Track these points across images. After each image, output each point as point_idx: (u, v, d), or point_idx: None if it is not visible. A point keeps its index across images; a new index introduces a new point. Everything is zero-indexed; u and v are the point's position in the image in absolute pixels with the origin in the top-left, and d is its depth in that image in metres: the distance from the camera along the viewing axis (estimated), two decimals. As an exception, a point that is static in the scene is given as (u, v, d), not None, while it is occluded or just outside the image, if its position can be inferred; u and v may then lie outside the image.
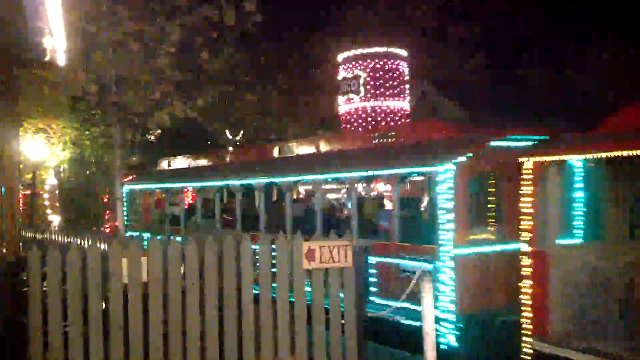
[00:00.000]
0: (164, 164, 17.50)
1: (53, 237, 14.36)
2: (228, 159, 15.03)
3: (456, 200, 8.24)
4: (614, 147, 6.17)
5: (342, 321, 5.98)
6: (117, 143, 12.78)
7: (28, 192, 19.73)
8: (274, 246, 5.88)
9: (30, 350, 5.17)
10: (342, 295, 6.03)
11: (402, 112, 18.38)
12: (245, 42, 14.37)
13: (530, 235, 6.96)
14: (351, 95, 18.35)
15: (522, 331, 6.71)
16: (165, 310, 5.43)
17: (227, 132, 30.83)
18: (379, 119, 18.13)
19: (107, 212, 20.84)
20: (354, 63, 18.28)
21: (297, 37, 28.02)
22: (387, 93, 18.11)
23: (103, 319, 5.28)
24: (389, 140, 10.48)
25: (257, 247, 5.80)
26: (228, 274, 5.62)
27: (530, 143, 8.42)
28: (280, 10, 25.81)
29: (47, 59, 7.13)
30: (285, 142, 13.94)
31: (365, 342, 6.04)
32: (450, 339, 7.94)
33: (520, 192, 7.17)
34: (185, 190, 15.45)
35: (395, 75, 18.17)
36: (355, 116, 18.41)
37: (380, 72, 18.05)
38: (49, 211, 21.01)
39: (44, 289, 5.29)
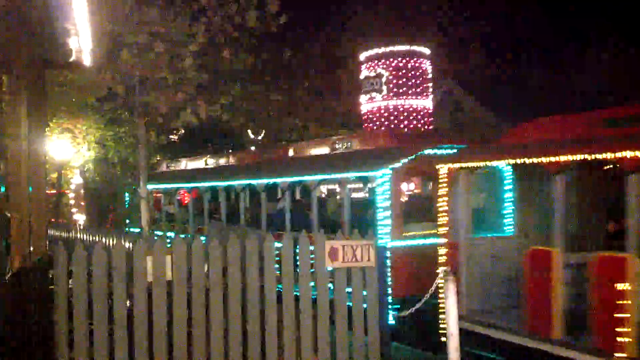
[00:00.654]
0: (163, 166, 18.01)
1: (78, 236, 14.54)
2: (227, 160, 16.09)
3: (392, 200, 9.65)
4: (496, 157, 7.75)
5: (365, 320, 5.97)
6: (142, 143, 12.90)
7: (53, 191, 20.01)
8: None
9: (56, 347, 5.24)
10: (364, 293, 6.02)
11: (425, 110, 18.30)
12: (267, 41, 14.42)
13: (446, 229, 8.24)
14: (373, 94, 18.31)
15: (440, 311, 7.37)
16: (189, 308, 5.47)
17: (249, 132, 30.96)
18: (402, 117, 18.07)
19: (111, 212, 21.04)
20: (376, 61, 18.23)
21: (319, 36, 28.04)
22: (410, 91, 18.04)
23: (128, 317, 5.33)
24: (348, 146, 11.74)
25: (280, 245, 5.81)
26: (251, 273, 5.64)
27: (452, 152, 9.58)
28: (302, 9, 25.86)
29: (72, 59, 7.22)
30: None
31: (388, 341, 6.03)
32: (389, 319, 8.13)
33: (438, 193, 8.53)
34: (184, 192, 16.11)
35: (418, 73, 18.08)
36: (377, 115, 18.37)
37: (403, 71, 17.98)
38: (74, 210, 21.29)
39: (70, 287, 5.36)
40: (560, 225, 6.73)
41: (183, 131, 28.34)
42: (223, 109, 12.97)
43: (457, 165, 8.45)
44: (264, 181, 12.27)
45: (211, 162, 17.23)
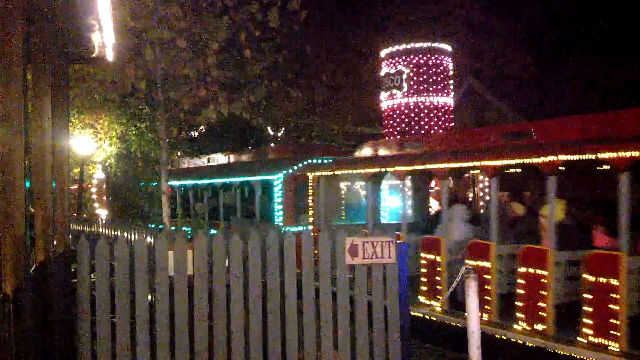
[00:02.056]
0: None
1: (101, 230, 14.67)
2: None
3: (284, 197, 14.70)
4: (337, 169, 12.38)
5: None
6: (164, 139, 12.96)
7: (76, 186, 20.21)
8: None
9: (78, 340, 5.28)
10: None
11: (446, 107, 18.18)
12: (289, 39, 14.44)
13: (312, 219, 12.84)
14: (394, 91, 18.23)
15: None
16: (210, 303, 5.48)
17: (269, 129, 31.03)
18: (422, 114, 17.98)
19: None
20: (397, 58, 18.16)
21: (340, 33, 27.99)
22: (431, 88, 17.94)
23: (149, 311, 5.37)
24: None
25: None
26: (271, 268, 5.64)
27: (327, 161, 14.30)
28: (323, 6, 25.82)
29: (95, 54, 7.27)
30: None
31: (409, 339, 6.00)
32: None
33: (309, 192, 12.86)
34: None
35: (439, 70, 17.97)
36: (397, 112, 18.30)
37: (424, 68, 17.88)
38: (96, 205, 21.48)
39: (92, 280, 5.40)
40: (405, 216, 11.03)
41: (204, 128, 28.50)
42: (244, 107, 12.99)
43: (317, 173, 12.73)
44: (221, 180, 17.48)
45: (222, 159, 19.66)
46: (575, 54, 24.39)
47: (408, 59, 17.88)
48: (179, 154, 24.79)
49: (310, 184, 13.06)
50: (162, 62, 11.97)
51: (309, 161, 14.94)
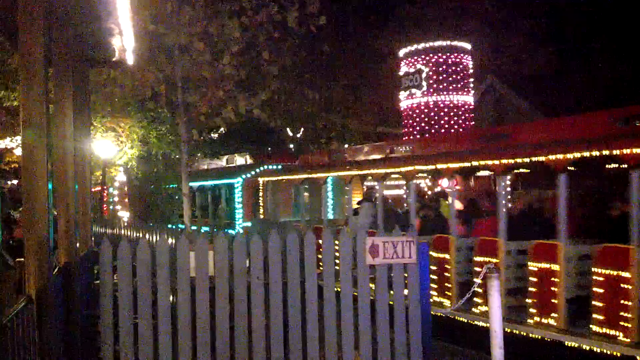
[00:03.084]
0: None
1: (122, 232, 14.80)
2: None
3: (243, 197, 17.92)
4: (276, 175, 16.19)
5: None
6: (184, 141, 13.05)
7: (98, 188, 20.42)
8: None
9: (101, 341, 5.33)
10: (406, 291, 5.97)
11: (467, 106, 18.06)
12: (307, 39, 14.47)
13: (263, 214, 16.55)
14: (413, 90, 18.15)
15: None
16: (232, 303, 5.50)
17: (288, 130, 31.06)
18: (442, 113, 17.87)
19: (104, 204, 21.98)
20: (416, 57, 18.06)
21: (359, 32, 27.94)
22: (450, 87, 17.81)
23: (171, 312, 5.40)
24: None
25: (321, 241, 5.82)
26: (292, 268, 5.65)
27: (278, 167, 17.63)
28: (341, 6, 25.80)
29: (116, 58, 7.34)
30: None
31: (430, 339, 5.96)
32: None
33: (260, 195, 16.44)
34: None
35: (458, 69, 17.85)
36: (417, 111, 18.20)
37: (443, 66, 17.76)
38: (118, 207, 21.69)
39: (114, 281, 5.45)
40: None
41: (224, 130, 28.61)
42: (262, 107, 13.04)
43: (266, 178, 16.41)
44: (200, 183, 20.39)
45: (240, 160, 21.15)
46: (596, 49, 24.10)
47: (427, 58, 17.77)
48: (199, 155, 24.93)
49: (260, 187, 16.66)
50: (180, 65, 12.05)
51: (262, 168, 18.18)
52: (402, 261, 5.87)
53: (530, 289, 8.21)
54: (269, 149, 32.40)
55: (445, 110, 17.81)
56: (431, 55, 17.77)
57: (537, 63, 25.18)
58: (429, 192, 14.25)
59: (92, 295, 5.65)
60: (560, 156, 7.77)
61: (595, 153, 7.36)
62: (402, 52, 18.66)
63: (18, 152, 20.18)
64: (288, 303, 5.62)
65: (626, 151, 7.05)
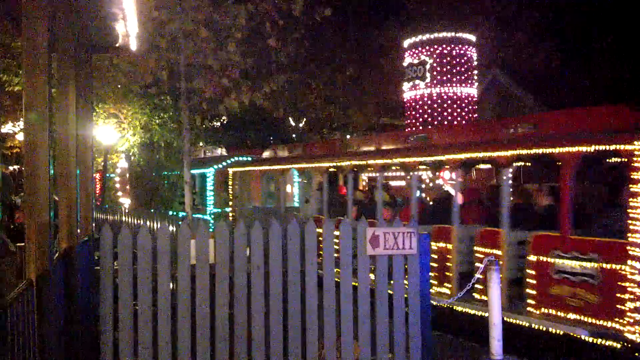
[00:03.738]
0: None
1: (124, 219, 14.82)
2: None
3: (215, 186, 19.40)
4: (244, 166, 18.09)
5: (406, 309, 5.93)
6: (186, 128, 13.04)
7: (99, 175, 20.42)
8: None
9: (100, 327, 5.35)
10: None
11: (470, 98, 18.01)
12: (312, 30, 14.43)
13: (232, 202, 17.23)
14: (417, 82, 18.09)
15: None
16: (231, 291, 5.51)
17: (291, 120, 31.03)
18: (445, 105, 17.83)
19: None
20: (420, 49, 18.00)
21: (363, 24, 27.82)
22: (454, 79, 17.76)
23: (171, 299, 5.41)
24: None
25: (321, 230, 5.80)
26: (292, 258, 5.65)
27: (248, 159, 19.78)
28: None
29: (119, 43, 7.31)
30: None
31: (430, 330, 5.97)
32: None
33: (229, 184, 17.41)
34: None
35: (462, 60, 17.79)
36: (420, 103, 18.16)
37: (447, 58, 17.70)
38: (119, 194, 21.70)
39: (115, 268, 5.46)
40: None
41: (226, 118, 28.58)
42: (265, 97, 13.02)
43: (234, 169, 17.55)
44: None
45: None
46: (600, 44, 23.98)
47: (431, 49, 17.71)
48: (201, 144, 24.92)
49: (230, 177, 17.66)
50: (184, 52, 12.02)
51: (232, 160, 19.79)
52: (402, 252, 5.86)
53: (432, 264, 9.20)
54: (271, 138, 32.38)
55: (449, 102, 17.77)
56: (435, 46, 17.70)
57: (541, 57, 25.09)
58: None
59: (92, 281, 5.65)
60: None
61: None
62: (406, 43, 18.60)
63: (20, 137, 20.19)
64: (288, 292, 5.62)
65: (494, 154, 8.92)
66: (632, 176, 7.09)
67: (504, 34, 25.34)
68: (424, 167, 11.46)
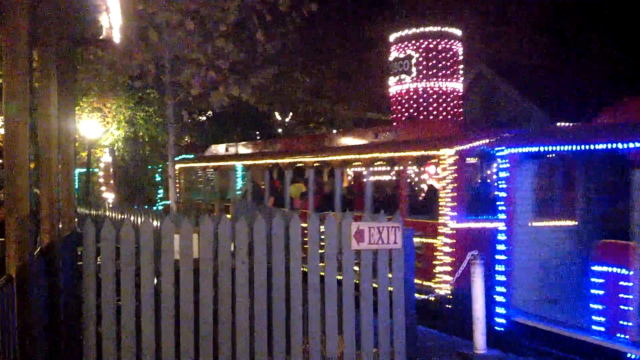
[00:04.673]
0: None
1: (107, 214, 14.71)
2: None
3: (162, 181, 20.74)
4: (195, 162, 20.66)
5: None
6: (171, 122, 12.95)
7: (83, 170, 20.26)
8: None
9: (83, 322, 5.30)
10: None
11: (455, 93, 18.04)
12: (299, 24, 14.36)
13: (178, 194, 17.32)
14: (402, 76, 18.09)
15: None
16: (216, 287, 5.48)
17: (277, 114, 30.94)
18: (431, 100, 17.84)
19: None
20: (406, 43, 17.98)
21: (350, 18, 27.77)
22: (440, 74, 17.77)
23: (155, 294, 5.37)
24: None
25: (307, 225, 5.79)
26: (277, 253, 5.63)
27: (191, 157, 21.50)
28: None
29: (103, 36, 7.23)
30: None
31: (414, 324, 5.98)
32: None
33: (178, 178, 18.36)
34: None
35: (448, 55, 17.80)
36: (406, 97, 18.16)
37: (433, 53, 17.70)
38: (103, 188, 21.54)
39: (98, 263, 5.41)
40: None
41: (211, 113, 28.43)
42: (252, 91, 12.96)
43: (180, 165, 18.86)
44: None
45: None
46: (589, 40, 24.11)
47: (417, 44, 17.70)
48: (186, 138, 24.80)
49: (176, 173, 18.96)
50: (170, 44, 11.93)
51: (179, 157, 20.88)
52: (387, 247, 5.87)
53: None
54: (257, 133, 32.27)
55: (434, 96, 17.79)
56: (422, 40, 17.69)
57: (528, 52, 25.18)
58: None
59: (75, 277, 5.60)
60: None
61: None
62: (392, 37, 18.58)
63: (1, 132, 19.96)
64: (272, 287, 5.60)
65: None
66: (443, 175, 10.27)
67: (490, 29, 25.40)
68: (317, 165, 14.42)
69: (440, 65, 17.69)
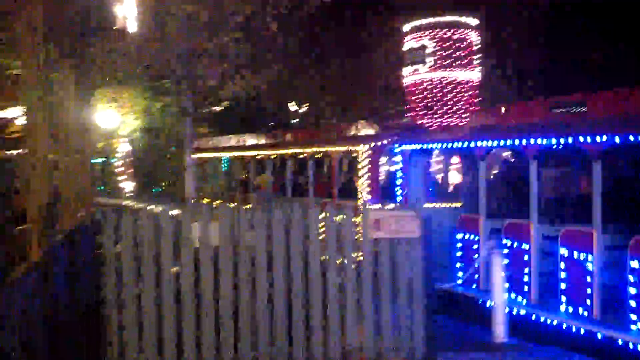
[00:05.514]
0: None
1: (125, 203, 14.82)
2: None
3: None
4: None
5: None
6: (188, 113, 12.98)
7: (100, 159, 20.39)
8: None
9: (105, 311, 5.34)
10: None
11: (471, 83, 17.90)
12: (310, 19, 14.33)
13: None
14: (417, 66, 17.98)
15: None
16: (236, 274, 5.50)
17: (291, 105, 30.89)
18: (446, 90, 17.71)
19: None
20: (421, 32, 17.86)
21: (360, 10, 27.59)
22: (455, 64, 17.63)
23: (175, 282, 5.41)
24: None
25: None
26: (295, 242, 5.63)
27: None
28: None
29: (117, 27, 7.26)
30: None
31: (432, 313, 5.96)
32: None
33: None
34: None
35: (464, 45, 17.64)
36: (421, 87, 18.04)
37: (449, 42, 17.56)
38: (120, 178, 21.67)
39: (117, 251, 5.45)
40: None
41: (228, 103, 28.43)
42: (265, 84, 12.96)
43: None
44: None
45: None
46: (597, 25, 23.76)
47: (433, 33, 17.55)
48: (202, 129, 24.82)
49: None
50: (185, 35, 11.94)
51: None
52: (405, 235, 5.85)
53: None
54: (271, 124, 32.23)
55: (450, 86, 17.66)
56: (437, 30, 17.55)
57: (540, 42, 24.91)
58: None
59: (95, 264, 5.64)
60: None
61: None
62: (407, 27, 18.44)
63: (19, 122, 20.12)
64: (292, 276, 5.61)
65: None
66: (361, 166, 12.09)
67: (505, 19, 25.12)
68: (274, 157, 15.34)
69: (455, 54, 17.55)
